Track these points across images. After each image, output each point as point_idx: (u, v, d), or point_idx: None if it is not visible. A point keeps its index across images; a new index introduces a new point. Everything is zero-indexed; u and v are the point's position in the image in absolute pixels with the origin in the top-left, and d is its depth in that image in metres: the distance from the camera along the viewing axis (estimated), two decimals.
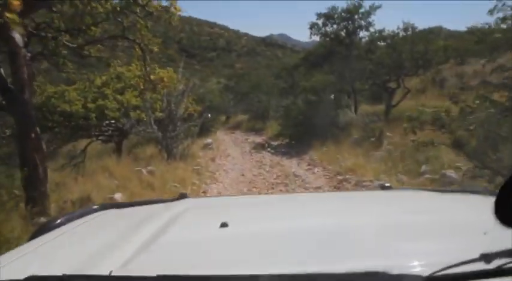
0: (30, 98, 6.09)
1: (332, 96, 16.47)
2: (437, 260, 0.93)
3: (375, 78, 18.05)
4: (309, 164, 12.33)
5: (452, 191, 2.16)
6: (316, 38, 20.07)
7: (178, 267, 0.97)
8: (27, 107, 6.08)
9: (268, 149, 15.93)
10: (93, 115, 13.45)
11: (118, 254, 1.17)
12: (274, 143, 17.93)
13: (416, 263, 0.99)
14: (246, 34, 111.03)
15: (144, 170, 9.87)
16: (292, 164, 12.61)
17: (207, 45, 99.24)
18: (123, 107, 13.73)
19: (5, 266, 1.17)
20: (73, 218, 1.78)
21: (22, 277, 0.92)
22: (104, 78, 15.02)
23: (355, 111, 18.38)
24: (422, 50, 16.62)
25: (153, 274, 0.90)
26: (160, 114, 12.88)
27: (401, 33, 17.45)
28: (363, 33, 18.86)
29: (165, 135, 11.50)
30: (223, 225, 1.38)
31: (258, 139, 20.02)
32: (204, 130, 22.07)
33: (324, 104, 17.61)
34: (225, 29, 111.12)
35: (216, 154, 14.78)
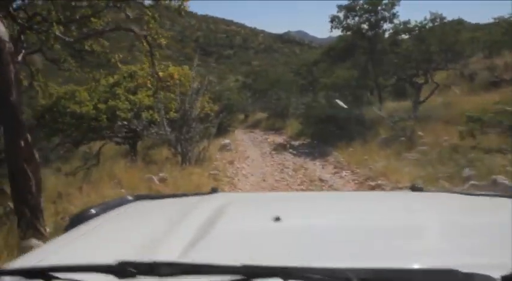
0: (18, 100, 5.21)
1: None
2: (501, 262, 0.92)
3: (401, 73, 16.92)
4: (335, 167, 11.32)
5: (489, 195, 2.04)
6: (335, 34, 19.12)
7: (242, 258, 0.90)
8: (15, 110, 5.21)
9: (290, 150, 14.93)
10: (104, 116, 12.65)
11: (173, 245, 1.17)
12: (296, 143, 16.94)
13: (483, 262, 0.95)
14: (262, 31, 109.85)
15: (155, 178, 8.97)
16: (316, 167, 11.61)
17: (223, 43, 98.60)
18: (136, 107, 12.93)
19: (53, 255, 1.17)
20: (107, 209, 1.73)
21: (113, 263, 0.91)
22: (116, 77, 14.25)
23: (380, 108, 17.29)
24: (452, 41, 15.43)
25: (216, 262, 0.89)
26: (175, 114, 12.04)
27: (429, 25, 16.25)
28: (386, 26, 17.68)
29: (178, 138, 10.55)
30: (277, 219, 1.34)
31: (278, 139, 19.04)
32: (222, 130, 21.21)
33: (347, 102, 16.59)
34: (242, 26, 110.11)
35: (234, 156, 13.84)
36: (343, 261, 0.91)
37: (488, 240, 1.19)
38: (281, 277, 0.85)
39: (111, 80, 14.10)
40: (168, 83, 8.36)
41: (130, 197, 1.97)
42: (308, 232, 1.32)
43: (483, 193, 2.27)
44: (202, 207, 1.63)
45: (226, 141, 15.78)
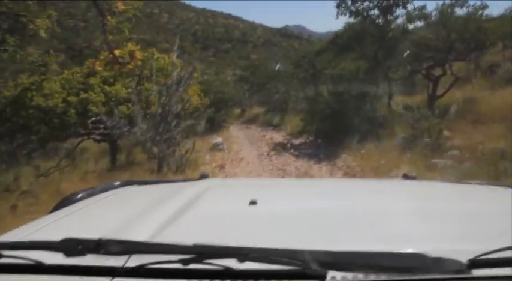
0: None
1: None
2: (472, 247, 0.90)
3: (416, 64, 14.84)
4: (345, 173, 9.27)
5: (483, 183, 1.97)
6: (334, 28, 17.10)
7: (209, 240, 0.88)
8: None
9: (291, 150, 12.86)
10: (73, 111, 10.56)
11: (146, 226, 1.15)
12: (297, 142, 14.89)
13: (453, 247, 0.94)
14: (261, 25, 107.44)
15: None
16: (323, 173, 9.55)
17: (222, 36, 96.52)
18: (112, 100, 10.84)
19: (33, 234, 1.16)
20: (94, 193, 1.72)
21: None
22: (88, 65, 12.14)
23: (389, 103, 15.21)
24: (476, 28, 13.35)
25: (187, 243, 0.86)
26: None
27: (448, 10, 14.14)
28: (399, 11, 15.55)
29: (153, 138, 8.40)
30: (253, 202, 1.33)
31: (277, 136, 16.97)
32: (216, 126, 19.17)
33: (355, 96, 14.54)
34: (240, 20, 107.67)
35: (226, 158, 11.77)
36: (312, 244, 0.87)
37: (465, 226, 1.17)
38: (236, 257, 0.82)
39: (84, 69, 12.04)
40: (129, 66, 6.37)
41: (118, 182, 1.92)
42: (283, 216, 1.28)
43: (476, 181, 2.06)
44: (185, 192, 1.59)
45: (219, 140, 13.69)
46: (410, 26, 15.48)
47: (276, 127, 19.95)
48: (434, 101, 13.77)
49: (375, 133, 11.98)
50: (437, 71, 14.37)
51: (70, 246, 0.87)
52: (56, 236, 0.92)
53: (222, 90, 19.21)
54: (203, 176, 2.13)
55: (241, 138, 17.02)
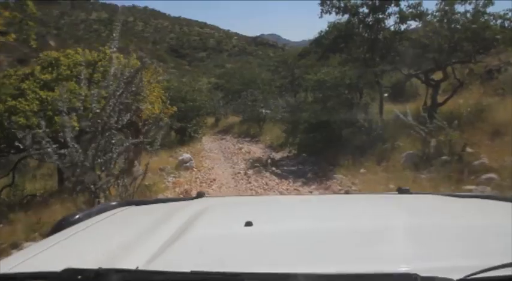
0: None
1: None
2: (464, 265, 0.88)
3: (414, 68, 12.80)
4: None
5: (475, 197, 1.93)
6: (310, 36, 15.04)
7: (206, 264, 0.92)
8: None
9: (273, 168, 10.53)
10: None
11: (143, 250, 1.13)
12: (278, 156, 12.64)
13: (443, 266, 0.92)
14: (236, 34, 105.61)
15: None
16: None
17: (197, 45, 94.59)
18: (48, 109, 8.39)
19: (30, 259, 1.14)
20: (91, 214, 1.66)
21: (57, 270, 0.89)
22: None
23: (381, 112, 13.09)
24: (482, 27, 11.36)
25: (181, 269, 0.86)
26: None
27: (451, 6, 12.11)
28: (392, 9, 13.49)
29: (74, 163, 5.75)
30: (248, 224, 1.29)
31: (255, 149, 14.70)
32: (187, 137, 16.77)
33: (344, 103, 12.41)
34: (215, 28, 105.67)
35: (194, 180, 9.42)
36: (309, 266, 0.91)
37: (460, 242, 1.14)
38: None
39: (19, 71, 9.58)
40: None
41: (114, 203, 1.90)
42: (277, 237, 1.25)
43: (472, 194, 2.11)
44: (182, 213, 1.56)
45: (186, 155, 11.25)
46: (403, 26, 13.46)
47: (254, 138, 17.69)
48: (435, 109, 11.70)
49: (373, 148, 9.82)
50: (438, 76, 12.37)
51: (70, 276, 0.86)
52: (55, 263, 0.92)
53: (193, 97, 16.80)
54: (200, 195, 2.00)
55: (214, 152, 14.68)
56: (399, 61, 13.36)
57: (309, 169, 10.21)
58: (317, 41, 14.22)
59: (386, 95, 15.30)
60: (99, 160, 5.74)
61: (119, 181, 6.15)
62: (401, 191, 2.02)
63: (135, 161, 10.58)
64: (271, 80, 23.30)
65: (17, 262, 1.09)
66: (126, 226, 1.58)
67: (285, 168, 10.65)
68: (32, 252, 1.21)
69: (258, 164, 11.00)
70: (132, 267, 0.94)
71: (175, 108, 11.31)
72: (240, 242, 1.22)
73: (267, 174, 9.88)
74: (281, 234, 1.28)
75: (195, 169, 10.57)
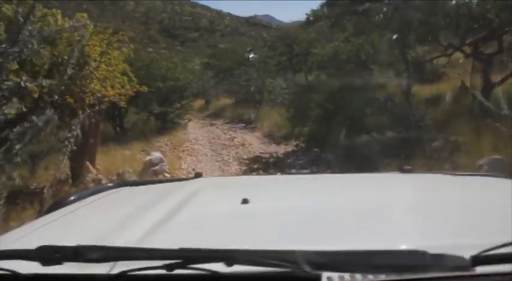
0: None
1: None
2: (475, 242, 0.78)
3: (455, 38, 9.62)
4: None
5: (478, 175, 1.95)
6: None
7: (199, 242, 0.78)
8: None
9: (278, 173, 7.33)
10: None
11: (135, 229, 1.05)
12: (281, 151, 9.49)
13: (454, 243, 0.82)
14: (229, 14, 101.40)
15: None
16: None
17: (189, 25, 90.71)
18: None
19: (18, 239, 1.09)
20: (86, 195, 1.61)
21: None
22: None
23: (408, 96, 9.89)
24: None
25: (174, 247, 0.76)
26: None
27: None
28: None
29: None
30: (245, 201, 1.21)
31: (251, 139, 11.52)
32: (169, 123, 13.54)
33: (366, 84, 9.24)
34: (207, 8, 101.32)
35: None
36: (306, 244, 0.83)
37: (467, 220, 1.05)
38: (224, 261, 0.73)
39: None
40: None
41: (109, 184, 1.87)
42: (275, 214, 1.18)
43: (474, 173, 2.04)
44: (177, 192, 1.49)
45: (155, 155, 7.83)
46: None
47: (249, 124, 14.47)
48: (490, 92, 8.55)
49: (418, 144, 6.70)
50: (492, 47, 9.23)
51: (46, 254, 0.78)
52: (41, 243, 0.83)
53: (174, 76, 13.44)
54: (197, 176, 1.94)
55: (200, 143, 11.46)
56: (434, 29, 10.14)
57: (328, 172, 7.08)
58: (329, 3, 10.86)
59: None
60: None
61: None
62: (403, 170, 1.92)
63: (87, 163, 7.38)
64: (268, 57, 19.93)
65: (8, 242, 1.04)
66: (120, 206, 1.51)
67: (294, 171, 7.52)
68: (20, 233, 1.17)
69: (257, 166, 7.80)
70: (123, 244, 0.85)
71: (145, 88, 8.06)
72: (236, 220, 1.15)
73: None
74: (278, 212, 1.20)
75: (167, 174, 7.34)
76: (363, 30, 11.48)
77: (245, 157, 9.05)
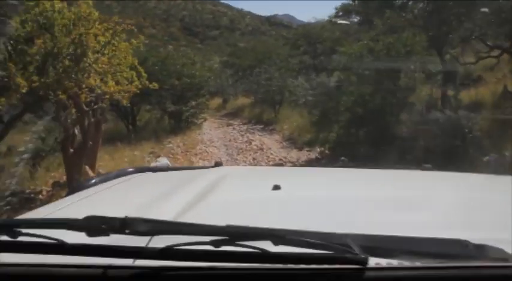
0: None
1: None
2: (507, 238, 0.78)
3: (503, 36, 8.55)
4: None
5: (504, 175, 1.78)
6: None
7: (236, 223, 0.75)
8: None
9: None
10: None
11: (168, 208, 1.05)
12: (304, 157, 8.54)
13: (492, 237, 0.77)
14: (249, 13, 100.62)
15: None
16: None
17: (209, 23, 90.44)
18: None
19: (49, 214, 1.09)
20: (108, 179, 1.58)
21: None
22: None
23: (446, 102, 8.82)
24: None
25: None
26: None
27: None
28: None
29: None
30: (276, 187, 1.18)
31: (271, 142, 10.58)
32: (183, 123, 12.68)
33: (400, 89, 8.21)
34: (228, 7, 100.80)
35: None
36: (346, 230, 0.75)
37: (501, 216, 1.01)
38: (271, 240, 0.71)
39: None
40: None
41: (131, 169, 1.79)
42: (309, 201, 1.14)
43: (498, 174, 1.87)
44: (202, 178, 1.45)
45: (162, 161, 6.92)
46: None
47: (267, 126, 13.54)
48: None
49: (473, 158, 5.68)
50: None
51: (93, 225, 0.75)
52: (76, 216, 0.81)
53: (190, 72, 12.55)
54: (217, 164, 1.84)
55: (215, 145, 10.55)
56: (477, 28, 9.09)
57: None
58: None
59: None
60: None
61: None
62: (424, 168, 1.90)
63: (85, 166, 6.51)
64: (290, 56, 18.93)
65: (37, 216, 1.04)
66: (146, 188, 1.49)
67: None
68: (51, 208, 1.15)
69: None
70: None
71: (155, 85, 7.18)
72: (269, 205, 1.12)
73: None
74: (314, 199, 1.17)
75: None
76: (394, 28, 10.49)
77: (263, 164, 8.10)
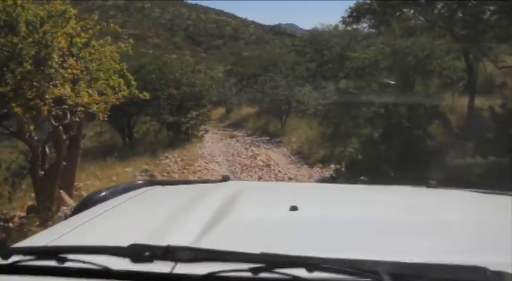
0: None
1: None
2: None
3: None
4: None
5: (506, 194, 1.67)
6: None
7: (259, 246, 0.80)
8: None
9: None
10: None
11: (187, 229, 1.02)
12: (316, 175, 7.44)
13: (499, 261, 0.78)
14: (253, 22, 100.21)
15: None
16: None
17: (213, 32, 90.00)
18: None
19: (63, 235, 1.04)
20: (117, 193, 1.55)
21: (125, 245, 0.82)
22: None
23: (475, 112, 7.73)
24: None
25: (232, 249, 0.79)
26: None
27: None
28: None
29: None
30: (294, 208, 1.14)
31: (278, 157, 9.47)
32: (183, 135, 11.61)
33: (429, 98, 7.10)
34: (232, 17, 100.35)
35: None
36: (363, 254, 0.80)
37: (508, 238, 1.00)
38: (305, 267, 0.74)
39: None
40: None
41: (140, 182, 1.77)
42: (326, 223, 1.12)
43: (500, 192, 1.75)
44: (215, 194, 1.40)
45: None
46: None
47: (274, 138, 12.43)
48: None
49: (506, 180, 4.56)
50: None
51: (137, 252, 0.80)
52: (94, 238, 0.86)
53: (190, 81, 11.47)
54: (225, 178, 1.77)
55: (216, 161, 9.44)
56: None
57: None
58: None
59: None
60: None
61: None
62: (429, 186, 1.76)
63: (59, 191, 5.40)
64: (296, 63, 17.88)
65: (57, 237, 1.01)
66: (159, 205, 1.45)
67: None
68: (65, 228, 1.10)
69: None
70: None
71: (146, 95, 6.11)
72: (288, 227, 1.09)
73: None
74: (331, 220, 1.14)
75: None
76: (412, 31, 9.44)
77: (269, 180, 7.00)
